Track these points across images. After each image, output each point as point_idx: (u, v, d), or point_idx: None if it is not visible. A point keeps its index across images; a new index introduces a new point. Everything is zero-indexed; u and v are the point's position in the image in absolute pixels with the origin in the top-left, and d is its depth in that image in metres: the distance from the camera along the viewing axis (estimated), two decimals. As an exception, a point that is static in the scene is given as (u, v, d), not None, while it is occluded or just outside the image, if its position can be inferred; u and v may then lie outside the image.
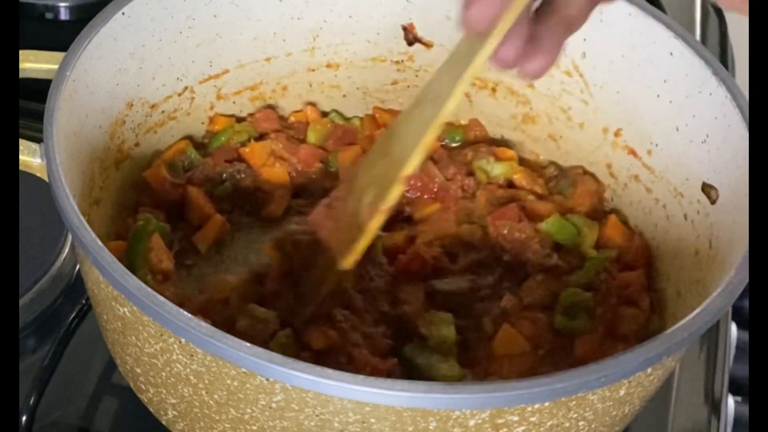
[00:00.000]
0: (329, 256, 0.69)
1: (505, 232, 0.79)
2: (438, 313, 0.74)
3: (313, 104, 0.88)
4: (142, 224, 0.74)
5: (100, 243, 0.61)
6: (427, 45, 0.86)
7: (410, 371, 0.71)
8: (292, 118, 0.87)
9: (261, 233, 0.79)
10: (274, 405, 0.60)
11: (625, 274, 0.78)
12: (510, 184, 0.84)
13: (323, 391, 0.57)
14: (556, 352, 0.73)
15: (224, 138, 0.83)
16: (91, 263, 0.61)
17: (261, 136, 0.84)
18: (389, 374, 0.68)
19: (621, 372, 0.59)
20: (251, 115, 0.86)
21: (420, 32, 0.86)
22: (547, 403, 0.59)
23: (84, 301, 0.79)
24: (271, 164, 0.82)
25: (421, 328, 0.73)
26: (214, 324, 0.58)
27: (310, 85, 0.88)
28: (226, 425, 0.63)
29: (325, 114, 0.88)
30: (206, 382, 0.61)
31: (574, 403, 0.60)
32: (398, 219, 0.80)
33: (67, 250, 0.81)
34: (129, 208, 0.79)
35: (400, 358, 0.71)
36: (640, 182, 0.81)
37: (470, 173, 0.84)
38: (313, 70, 0.87)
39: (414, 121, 0.65)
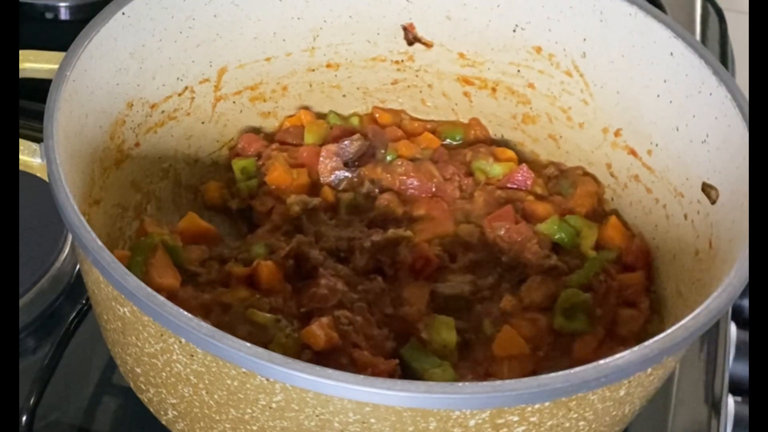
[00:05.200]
0: None
1: (502, 233, 0.79)
2: (439, 317, 0.74)
3: (306, 108, 0.88)
4: (144, 239, 0.74)
5: (100, 243, 0.61)
6: (427, 45, 0.86)
7: (408, 372, 0.71)
8: (287, 123, 0.87)
9: None
10: (274, 405, 0.60)
11: (625, 276, 0.78)
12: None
13: (323, 391, 0.57)
14: (556, 354, 0.73)
15: (246, 187, 0.83)
16: (91, 263, 0.61)
17: (258, 157, 0.84)
18: (390, 375, 0.68)
19: (621, 372, 0.59)
20: (232, 148, 0.86)
21: (420, 32, 0.86)
22: (547, 403, 0.59)
23: (84, 301, 0.79)
24: (296, 177, 0.82)
25: (421, 331, 0.73)
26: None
27: (310, 85, 0.88)
28: (226, 425, 0.63)
29: (321, 116, 0.88)
30: (206, 382, 0.61)
31: (574, 403, 0.60)
32: (395, 218, 0.81)
33: (67, 250, 0.81)
34: (129, 208, 0.79)
35: (402, 360, 0.71)
36: (640, 182, 0.81)
37: (469, 173, 0.84)
38: (313, 70, 0.87)
39: None
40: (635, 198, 0.82)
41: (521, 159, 0.87)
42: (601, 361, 0.58)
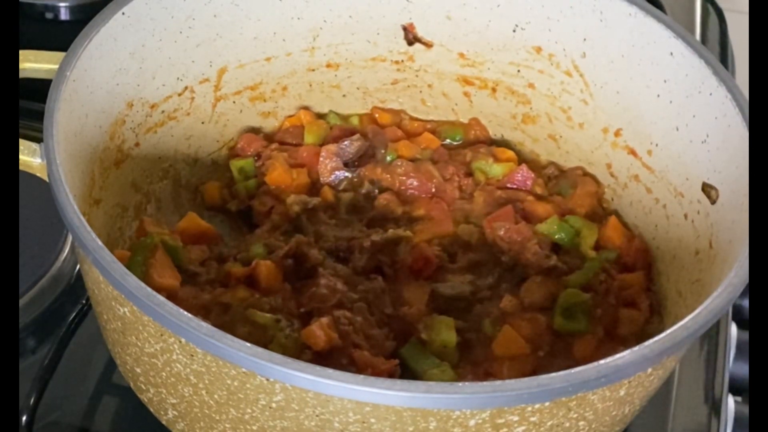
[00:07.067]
0: None
1: (502, 233, 0.79)
2: (439, 317, 0.74)
3: (306, 108, 0.88)
4: (144, 239, 0.73)
5: (100, 243, 0.61)
6: (427, 45, 0.86)
7: (408, 372, 0.71)
8: (287, 123, 0.87)
9: None
10: (274, 405, 0.60)
11: (625, 276, 0.78)
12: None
13: (323, 391, 0.57)
14: (556, 354, 0.73)
15: (245, 187, 0.83)
16: (91, 263, 0.61)
17: (258, 157, 0.84)
18: (390, 375, 0.68)
19: (621, 372, 0.59)
20: (232, 148, 0.86)
21: (420, 32, 0.86)
22: (547, 403, 0.59)
23: (84, 301, 0.79)
24: (296, 177, 0.82)
25: (421, 332, 0.73)
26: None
27: (310, 85, 0.88)
28: (226, 425, 0.63)
29: (321, 116, 0.88)
30: (206, 382, 0.61)
31: (574, 403, 0.60)
32: (394, 218, 0.81)
33: (67, 250, 0.81)
34: (129, 208, 0.79)
35: (402, 360, 0.71)
36: (640, 182, 0.81)
37: (469, 173, 0.85)
38: (313, 70, 0.87)
39: None
40: (635, 198, 0.82)
41: (521, 159, 0.87)
42: (601, 361, 0.58)
